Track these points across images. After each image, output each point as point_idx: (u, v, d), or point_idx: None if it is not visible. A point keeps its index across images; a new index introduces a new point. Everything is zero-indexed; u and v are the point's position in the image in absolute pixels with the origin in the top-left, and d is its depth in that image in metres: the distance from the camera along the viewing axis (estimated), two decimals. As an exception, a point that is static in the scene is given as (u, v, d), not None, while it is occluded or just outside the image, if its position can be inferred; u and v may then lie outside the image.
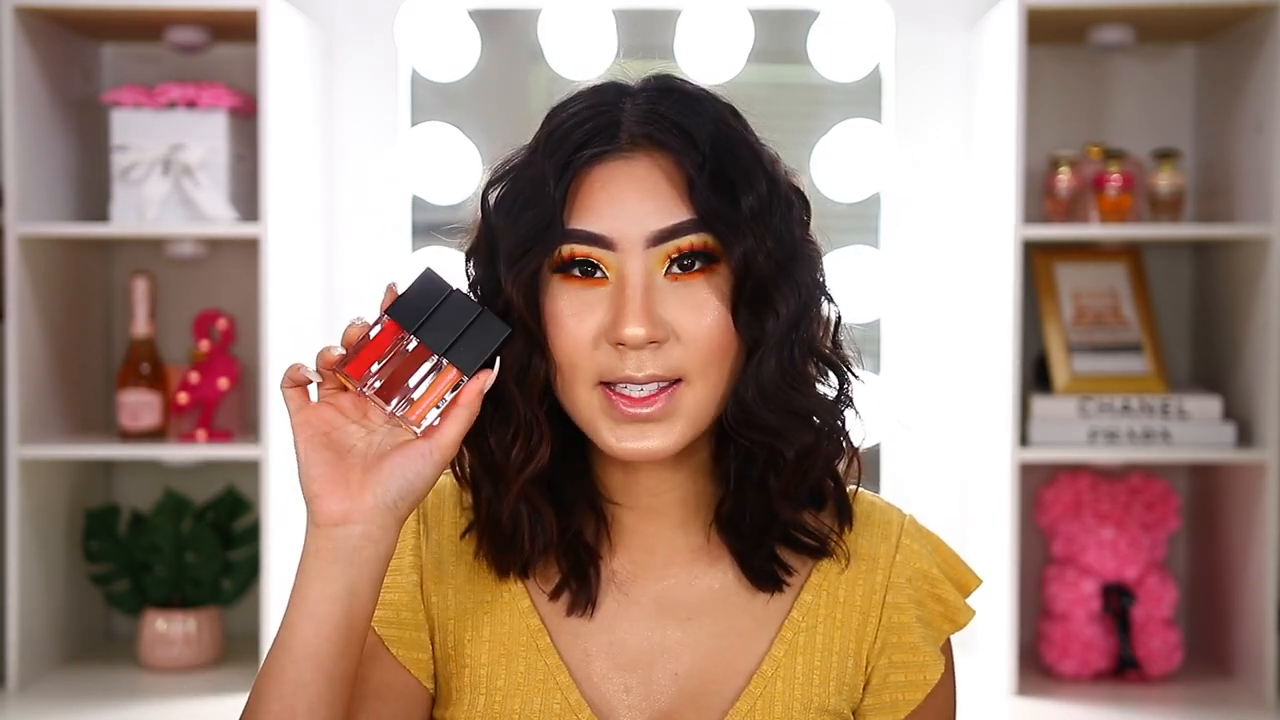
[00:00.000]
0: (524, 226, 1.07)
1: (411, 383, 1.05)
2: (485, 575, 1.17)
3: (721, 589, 1.15)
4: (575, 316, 1.06)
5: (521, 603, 1.16)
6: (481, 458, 1.12)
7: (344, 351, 1.04)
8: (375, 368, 1.04)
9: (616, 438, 1.07)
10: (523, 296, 1.07)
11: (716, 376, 1.07)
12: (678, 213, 1.05)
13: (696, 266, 1.06)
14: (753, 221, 1.05)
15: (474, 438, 1.10)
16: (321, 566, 1.04)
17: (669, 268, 1.06)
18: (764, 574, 1.15)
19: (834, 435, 1.12)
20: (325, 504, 1.04)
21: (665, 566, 1.16)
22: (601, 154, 1.07)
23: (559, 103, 1.11)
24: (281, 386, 1.06)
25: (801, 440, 1.09)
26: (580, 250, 1.06)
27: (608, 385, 1.07)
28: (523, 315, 1.07)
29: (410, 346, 1.04)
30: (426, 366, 1.05)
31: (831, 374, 1.13)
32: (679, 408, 1.06)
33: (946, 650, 1.21)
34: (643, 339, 1.04)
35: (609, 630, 1.15)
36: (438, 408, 1.05)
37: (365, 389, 1.05)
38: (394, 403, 1.05)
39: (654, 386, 1.06)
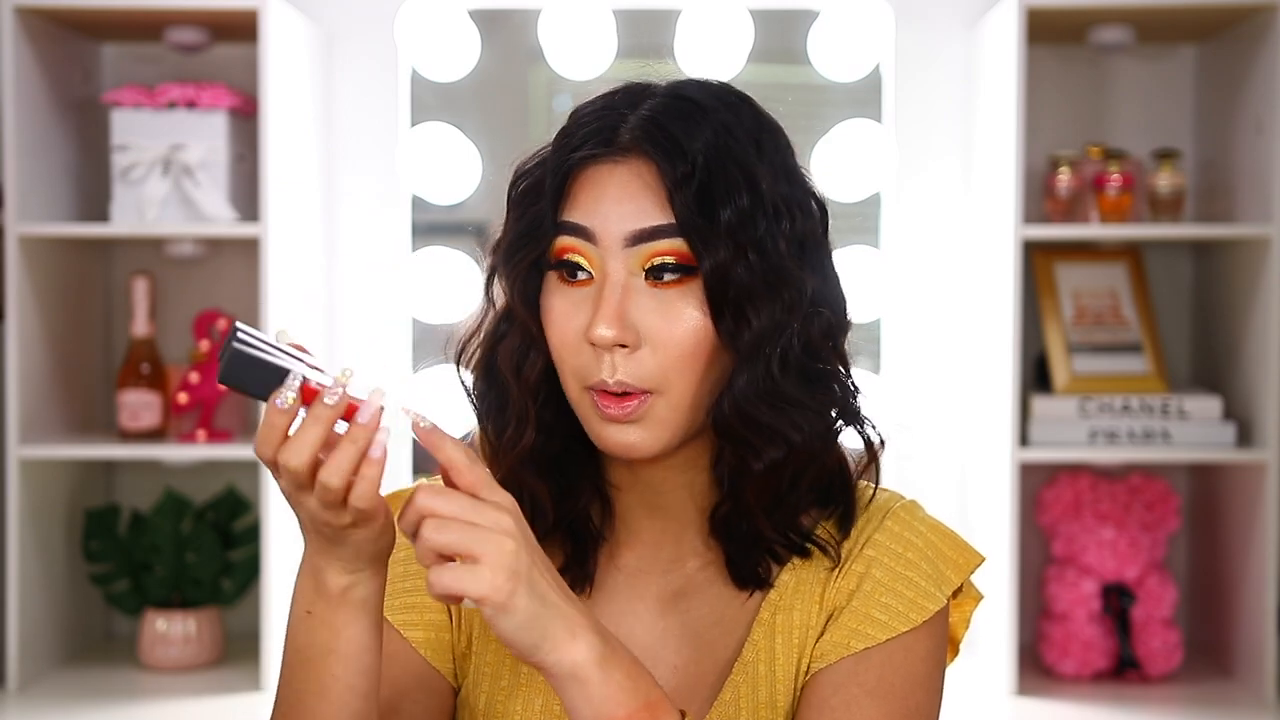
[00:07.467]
0: (523, 221, 1.11)
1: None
2: None
3: (710, 579, 1.16)
4: (563, 316, 1.09)
5: None
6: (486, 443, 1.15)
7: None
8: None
9: (604, 432, 1.09)
10: (518, 290, 1.11)
11: (690, 385, 1.07)
12: (656, 217, 1.06)
13: (675, 277, 1.07)
14: (729, 235, 1.05)
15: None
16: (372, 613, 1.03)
17: (648, 274, 1.07)
18: (750, 577, 1.15)
19: (813, 453, 1.10)
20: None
21: (671, 562, 1.17)
22: (595, 156, 1.09)
23: (581, 102, 1.13)
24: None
25: (769, 455, 1.08)
26: (567, 243, 1.08)
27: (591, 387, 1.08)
28: (517, 309, 1.11)
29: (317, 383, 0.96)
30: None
31: (835, 387, 1.12)
32: (651, 414, 1.07)
33: (945, 610, 1.14)
34: (610, 340, 1.05)
35: (616, 627, 1.15)
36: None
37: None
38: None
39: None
